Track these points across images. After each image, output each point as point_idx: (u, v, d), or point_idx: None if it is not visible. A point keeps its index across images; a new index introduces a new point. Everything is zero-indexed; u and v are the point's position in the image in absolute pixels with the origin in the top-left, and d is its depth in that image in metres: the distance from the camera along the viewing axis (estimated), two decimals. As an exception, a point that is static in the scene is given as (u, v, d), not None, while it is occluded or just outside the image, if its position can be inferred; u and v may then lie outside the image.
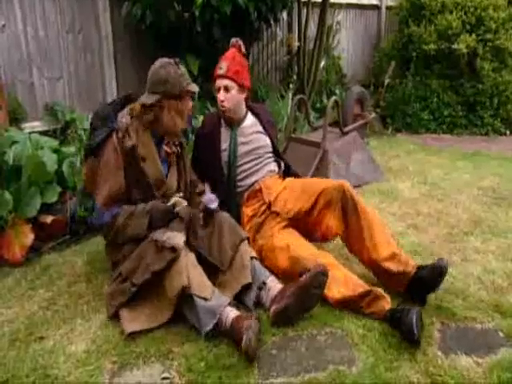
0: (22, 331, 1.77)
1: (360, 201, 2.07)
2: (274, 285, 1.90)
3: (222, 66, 2.27)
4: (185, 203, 1.99)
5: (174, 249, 1.76)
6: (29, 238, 2.29)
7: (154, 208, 1.93)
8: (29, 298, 2.00)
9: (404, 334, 1.66)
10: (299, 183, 2.30)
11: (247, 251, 1.98)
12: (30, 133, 2.91)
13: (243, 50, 2.40)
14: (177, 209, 1.95)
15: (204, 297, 1.72)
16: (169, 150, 2.07)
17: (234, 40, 2.40)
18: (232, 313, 1.71)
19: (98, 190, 1.95)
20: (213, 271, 1.93)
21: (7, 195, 2.29)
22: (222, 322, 1.69)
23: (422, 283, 1.88)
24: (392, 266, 1.94)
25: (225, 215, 2.08)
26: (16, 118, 3.30)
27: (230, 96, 2.28)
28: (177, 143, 2.12)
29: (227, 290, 1.89)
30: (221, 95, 2.28)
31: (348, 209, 2.05)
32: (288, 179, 2.42)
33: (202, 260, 1.94)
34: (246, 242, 2.03)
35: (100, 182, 1.95)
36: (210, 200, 2.04)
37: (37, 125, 3.46)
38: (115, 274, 1.91)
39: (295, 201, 2.19)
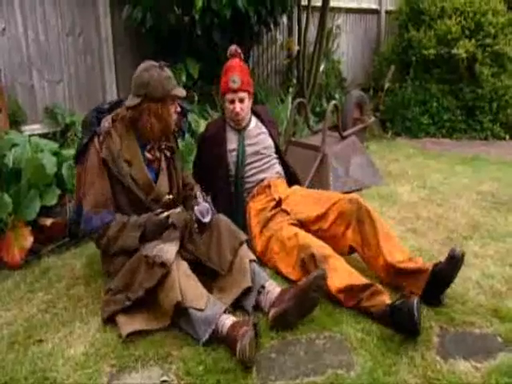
0: (20, 334, 1.77)
1: (373, 211, 2.13)
2: (273, 288, 1.91)
3: (236, 80, 2.35)
4: (178, 210, 1.96)
5: (163, 264, 1.74)
6: (28, 240, 2.29)
7: (148, 221, 1.91)
8: (28, 301, 2.00)
9: (404, 323, 1.66)
10: (311, 193, 2.40)
11: (247, 254, 1.98)
12: (29, 135, 2.91)
13: (242, 56, 2.48)
14: (171, 220, 1.91)
15: (199, 308, 1.71)
16: (150, 156, 2.03)
17: (233, 49, 2.46)
18: (228, 320, 1.71)
19: (84, 196, 1.93)
20: (212, 275, 1.94)
21: (7, 198, 2.29)
22: (218, 330, 1.69)
23: (440, 277, 1.88)
24: (409, 264, 1.97)
25: (222, 218, 2.07)
26: (16, 121, 3.31)
27: (244, 106, 2.40)
28: (163, 147, 2.07)
29: (227, 294, 1.89)
30: (237, 107, 2.38)
31: (365, 220, 2.09)
32: (298, 187, 2.50)
33: (201, 264, 1.94)
34: (245, 244, 2.03)
35: (86, 187, 1.93)
36: (201, 213, 1.97)
37: (37, 127, 3.47)
38: (106, 288, 1.91)
39: (306, 207, 2.26)
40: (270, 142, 2.53)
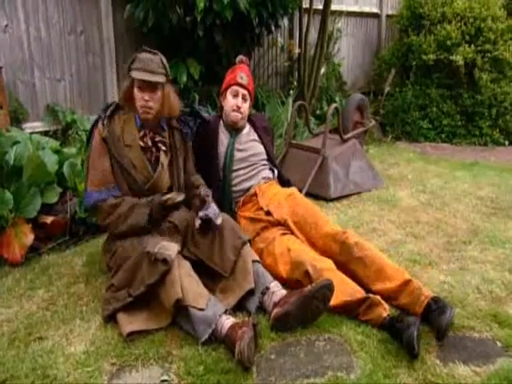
0: (21, 331, 1.77)
1: (362, 244, 2.06)
2: (278, 290, 1.90)
3: (244, 77, 2.40)
4: (180, 198, 1.98)
5: (165, 261, 1.75)
6: (29, 237, 2.29)
7: (154, 200, 1.97)
8: (28, 298, 2.00)
9: (403, 346, 1.66)
10: (306, 207, 2.30)
11: (249, 255, 1.98)
12: (30, 133, 2.91)
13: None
14: (169, 201, 1.95)
15: (199, 307, 1.71)
16: (141, 143, 2.04)
17: (242, 58, 2.51)
18: (228, 321, 1.71)
19: (88, 177, 2.00)
20: (214, 276, 1.94)
21: (8, 195, 2.29)
22: (218, 331, 1.69)
23: (434, 323, 1.79)
24: (404, 298, 1.90)
25: (225, 217, 2.07)
26: (17, 119, 3.31)
27: (246, 106, 2.42)
28: (156, 139, 2.08)
29: (230, 295, 1.89)
30: (239, 101, 2.40)
31: (352, 260, 2.04)
32: (293, 192, 2.42)
33: (203, 265, 1.94)
34: (248, 244, 2.02)
35: (90, 168, 2.01)
36: (215, 215, 1.97)
37: (38, 125, 3.47)
38: (108, 284, 1.91)
39: (298, 226, 2.23)
40: (260, 149, 2.52)
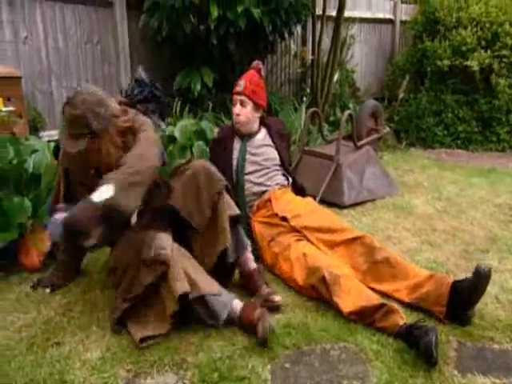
0: (39, 336, 1.79)
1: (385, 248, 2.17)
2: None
3: (241, 84, 2.49)
4: None
5: (164, 262, 1.73)
6: (46, 244, 2.31)
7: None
8: (46, 304, 2.02)
9: (421, 354, 1.63)
10: (325, 215, 2.38)
11: (225, 209, 1.96)
12: (48, 141, 2.96)
13: (262, 73, 2.60)
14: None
15: (215, 293, 1.80)
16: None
17: (256, 62, 2.59)
18: (239, 303, 1.84)
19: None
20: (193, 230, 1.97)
21: (27, 202, 2.32)
22: (233, 312, 1.82)
23: (463, 292, 1.83)
24: (426, 288, 1.94)
25: (200, 162, 1.99)
26: (35, 127, 3.36)
27: (244, 111, 2.48)
28: None
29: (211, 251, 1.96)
30: (236, 108, 2.50)
31: (379, 262, 2.09)
32: (306, 201, 2.47)
33: (179, 219, 1.93)
34: (224, 195, 1.97)
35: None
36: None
37: (55, 133, 3.52)
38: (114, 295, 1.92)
39: (317, 231, 2.25)
40: (273, 154, 2.56)
